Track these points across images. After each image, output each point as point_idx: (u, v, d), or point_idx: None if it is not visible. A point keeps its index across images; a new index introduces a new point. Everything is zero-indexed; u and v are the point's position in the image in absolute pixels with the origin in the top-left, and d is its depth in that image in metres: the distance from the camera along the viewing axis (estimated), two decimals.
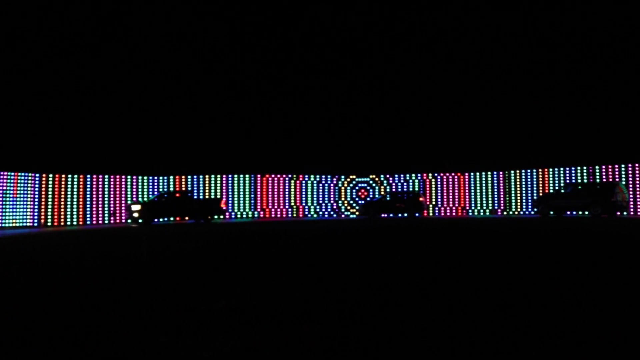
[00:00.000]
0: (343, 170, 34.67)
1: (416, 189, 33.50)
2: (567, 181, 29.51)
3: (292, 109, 39.78)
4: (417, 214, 30.49)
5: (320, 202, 34.15)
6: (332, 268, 7.86)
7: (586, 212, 26.40)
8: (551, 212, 27.06)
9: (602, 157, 29.51)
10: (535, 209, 28.46)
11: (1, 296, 6.11)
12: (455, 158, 34.99)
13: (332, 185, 34.33)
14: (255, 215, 33.07)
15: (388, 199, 31.37)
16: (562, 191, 27.19)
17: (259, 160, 35.50)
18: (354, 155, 36.65)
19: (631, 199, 27.51)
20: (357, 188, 34.43)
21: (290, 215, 33.53)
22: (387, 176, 34.32)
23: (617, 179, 27.94)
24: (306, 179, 34.08)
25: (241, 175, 33.09)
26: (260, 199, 33.28)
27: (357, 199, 34.10)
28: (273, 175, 33.65)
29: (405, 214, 30.71)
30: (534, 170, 31.17)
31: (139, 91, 37.22)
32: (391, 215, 31.29)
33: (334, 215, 33.84)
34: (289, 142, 37.85)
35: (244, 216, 32.94)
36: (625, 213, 26.47)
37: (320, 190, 34.21)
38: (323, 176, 34.30)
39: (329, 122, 39.16)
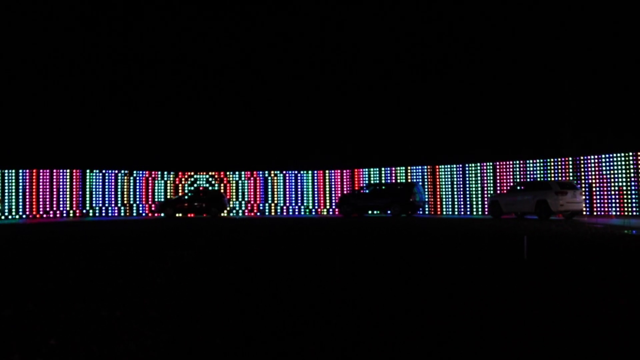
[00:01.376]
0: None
1: (216, 187, 31.55)
2: (369, 181, 29.88)
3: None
4: (220, 213, 29.21)
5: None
6: None
7: (388, 212, 26.85)
8: (353, 212, 27.06)
9: (403, 159, 30.42)
10: (338, 208, 28.14)
11: None
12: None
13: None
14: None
15: (187, 197, 29.48)
16: (364, 191, 27.39)
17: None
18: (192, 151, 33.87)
19: (428, 199, 29.01)
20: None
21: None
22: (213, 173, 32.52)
23: (415, 180, 29.04)
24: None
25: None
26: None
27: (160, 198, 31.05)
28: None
29: (205, 213, 29.20)
30: (338, 171, 31.13)
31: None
32: (191, 214, 29.71)
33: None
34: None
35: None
36: (421, 212, 27.79)
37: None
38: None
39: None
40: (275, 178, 32.04)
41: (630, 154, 23.86)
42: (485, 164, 27.94)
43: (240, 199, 32.31)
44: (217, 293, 6.00)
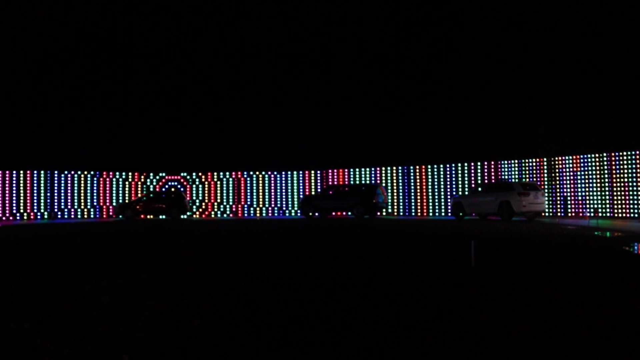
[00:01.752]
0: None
1: (179, 188, 31.03)
2: (330, 183, 29.70)
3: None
4: (182, 215, 28.65)
5: None
6: None
7: (349, 213, 26.70)
8: (316, 213, 26.81)
9: (366, 161, 30.22)
10: (301, 210, 27.89)
11: None
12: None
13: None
14: None
15: (146, 198, 28.86)
16: (327, 193, 27.23)
17: None
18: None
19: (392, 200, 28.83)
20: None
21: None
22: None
23: (379, 181, 28.83)
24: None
25: None
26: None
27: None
28: None
29: (164, 215, 28.68)
30: (300, 172, 30.87)
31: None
32: (151, 216, 28.98)
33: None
34: None
35: None
36: (384, 213, 27.63)
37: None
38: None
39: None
40: (242, 179, 31.45)
41: (605, 154, 23.84)
42: (458, 164, 27.84)
43: (207, 201, 31.60)
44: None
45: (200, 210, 31.59)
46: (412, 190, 28.52)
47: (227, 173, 31.68)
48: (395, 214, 28.84)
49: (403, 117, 34.95)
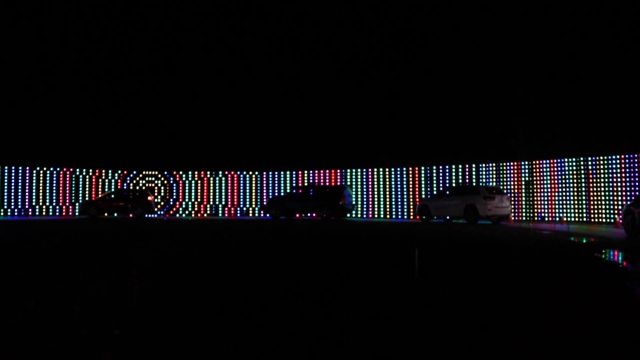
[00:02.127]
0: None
1: (143, 188, 30.17)
2: (297, 184, 29.08)
3: None
4: (146, 214, 27.78)
5: None
6: None
7: (316, 215, 26.25)
8: (282, 215, 26.31)
9: (332, 162, 29.55)
10: (267, 211, 27.34)
11: None
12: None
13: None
14: None
15: (111, 196, 28.17)
16: (294, 193, 26.78)
17: None
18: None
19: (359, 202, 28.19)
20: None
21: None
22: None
23: (345, 183, 28.26)
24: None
25: None
26: None
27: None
28: None
29: (131, 214, 27.80)
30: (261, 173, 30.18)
31: None
32: (115, 214, 28.05)
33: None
34: None
35: None
36: (350, 215, 26.96)
37: None
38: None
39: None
40: (210, 180, 30.56)
41: (582, 159, 23.31)
42: (433, 167, 27.02)
43: (176, 199, 30.70)
44: None
45: (168, 209, 30.61)
46: (384, 193, 27.64)
47: (190, 173, 30.80)
48: (372, 216, 27.92)
49: (379, 120, 34.18)
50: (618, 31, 29.99)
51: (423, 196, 26.25)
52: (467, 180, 26.19)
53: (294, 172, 29.51)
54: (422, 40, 36.49)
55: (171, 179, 30.91)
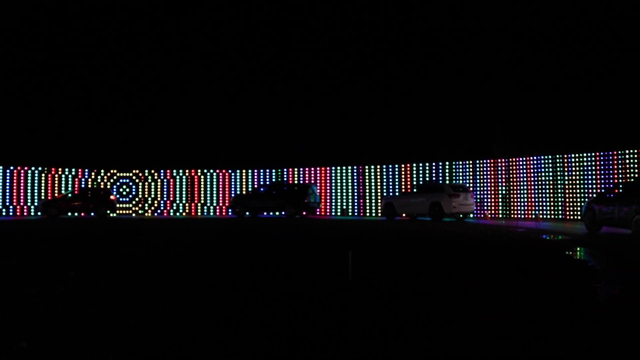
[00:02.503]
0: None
1: (107, 187, 29.38)
2: (263, 182, 28.34)
3: None
4: (108, 212, 27.21)
5: None
6: None
7: (282, 213, 25.71)
8: (247, 213, 25.78)
9: (297, 160, 28.91)
10: (232, 209, 26.78)
11: None
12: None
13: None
14: None
15: (71, 196, 27.40)
16: (259, 191, 26.19)
17: None
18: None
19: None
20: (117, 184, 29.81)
21: None
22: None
23: (311, 182, 27.50)
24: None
25: None
26: None
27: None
28: None
29: (92, 213, 27.22)
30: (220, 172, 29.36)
31: None
32: (76, 214, 27.31)
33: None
34: None
35: None
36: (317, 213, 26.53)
37: None
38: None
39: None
40: (176, 178, 29.59)
41: (558, 156, 22.62)
42: (401, 165, 26.11)
43: (141, 198, 29.67)
44: None
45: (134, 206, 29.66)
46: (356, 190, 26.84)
47: (157, 171, 29.89)
48: (341, 214, 27.12)
49: (356, 120, 33.57)
50: (595, 32, 29.74)
51: (391, 194, 25.65)
52: (434, 178, 25.52)
53: (261, 170, 28.79)
54: (395, 37, 36.00)
55: (136, 178, 29.92)
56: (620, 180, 19.96)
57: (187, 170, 29.57)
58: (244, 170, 28.92)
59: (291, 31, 37.67)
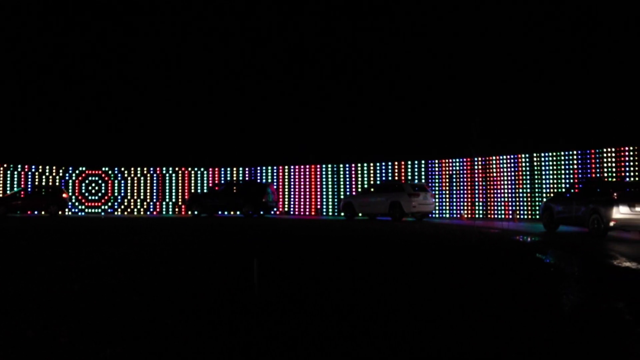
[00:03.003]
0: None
1: (57, 185, 28.29)
2: (222, 181, 27.64)
3: None
4: (60, 211, 26.32)
5: None
6: None
7: (238, 212, 25.34)
8: (203, 212, 25.05)
9: (254, 160, 28.46)
10: (188, 208, 26.08)
11: None
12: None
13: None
14: None
15: (23, 194, 26.42)
16: (216, 190, 25.50)
17: None
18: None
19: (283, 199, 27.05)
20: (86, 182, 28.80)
21: None
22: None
23: (269, 180, 27.06)
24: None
25: None
26: None
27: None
28: None
29: (43, 212, 26.37)
30: (178, 170, 28.67)
31: None
32: (30, 212, 26.60)
33: None
34: None
35: None
36: (274, 212, 26.16)
37: None
38: None
39: None
40: (135, 177, 28.60)
41: (535, 154, 22.22)
42: (375, 163, 25.49)
43: (103, 196, 28.60)
44: None
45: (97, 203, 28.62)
46: (314, 190, 26.28)
47: (117, 169, 28.97)
48: (302, 213, 26.49)
49: (328, 116, 33.02)
50: (575, 31, 29.82)
51: (348, 193, 25.21)
52: (399, 177, 25.00)
53: (216, 169, 28.10)
54: (363, 36, 35.75)
55: (97, 177, 28.82)
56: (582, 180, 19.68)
57: (151, 168, 28.70)
58: (201, 169, 28.16)
59: (247, 31, 37.26)
